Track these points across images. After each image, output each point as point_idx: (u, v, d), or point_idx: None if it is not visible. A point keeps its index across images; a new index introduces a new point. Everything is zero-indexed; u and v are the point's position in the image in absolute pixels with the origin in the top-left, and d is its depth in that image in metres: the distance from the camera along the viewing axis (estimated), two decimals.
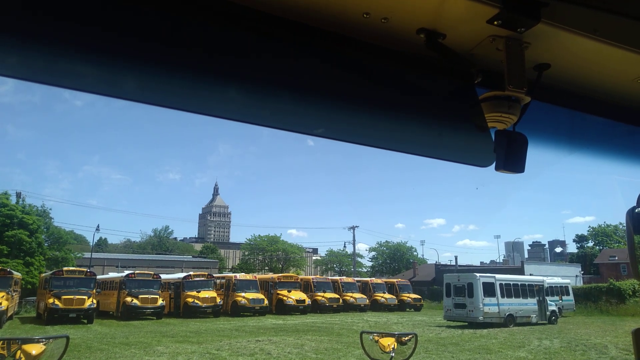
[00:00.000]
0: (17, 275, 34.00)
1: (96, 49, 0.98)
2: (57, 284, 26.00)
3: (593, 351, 16.32)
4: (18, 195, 49.90)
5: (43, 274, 32.23)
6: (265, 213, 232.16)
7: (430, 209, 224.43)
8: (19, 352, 2.01)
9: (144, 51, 1.03)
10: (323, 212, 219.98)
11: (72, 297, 25.22)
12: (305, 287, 37.26)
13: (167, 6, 1.06)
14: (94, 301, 26.50)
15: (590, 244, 78.77)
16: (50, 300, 24.93)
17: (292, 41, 1.21)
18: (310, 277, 42.30)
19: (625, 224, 1.80)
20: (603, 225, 78.46)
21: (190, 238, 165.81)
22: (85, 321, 25.78)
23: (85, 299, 25.60)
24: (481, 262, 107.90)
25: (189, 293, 30.77)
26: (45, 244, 49.09)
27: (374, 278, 49.61)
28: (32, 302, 34.26)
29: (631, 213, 1.77)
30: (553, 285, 35.40)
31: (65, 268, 30.59)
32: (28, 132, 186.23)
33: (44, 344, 2.12)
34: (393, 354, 2.91)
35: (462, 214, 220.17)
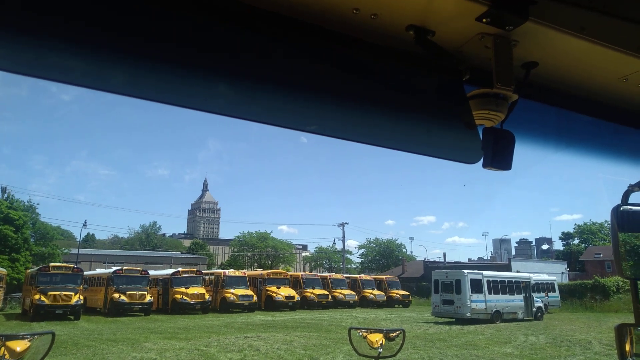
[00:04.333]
0: (2, 271, 33.60)
1: (85, 42, 0.97)
2: (43, 280, 25.67)
3: (578, 347, 16.56)
4: (3, 190, 49.29)
5: (29, 270, 31.83)
6: (255, 209, 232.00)
7: (421, 206, 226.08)
8: (2, 348, 1.98)
9: (133, 45, 1.02)
10: (314, 208, 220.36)
11: (58, 293, 24.94)
12: (295, 283, 37.27)
13: (156, 0, 1.05)
14: (81, 297, 26.25)
15: (576, 241, 79.85)
16: (36, 297, 24.63)
17: (281, 36, 1.21)
18: (300, 273, 42.27)
19: (610, 222, 1.82)
20: (589, 223, 79.58)
21: (179, 234, 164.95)
22: (72, 317, 25.51)
23: (72, 295, 25.33)
24: (469, 259, 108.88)
25: (177, 289, 30.60)
26: (32, 240, 48.51)
27: (363, 275, 49.77)
28: (18, 298, 33.83)
29: (616, 211, 1.79)
30: (539, 282, 35.83)
31: (51, 264, 30.26)
32: (14, 126, 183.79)
33: (29, 341, 2.09)
34: (381, 350, 2.93)
35: (452, 211, 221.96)
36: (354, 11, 1.19)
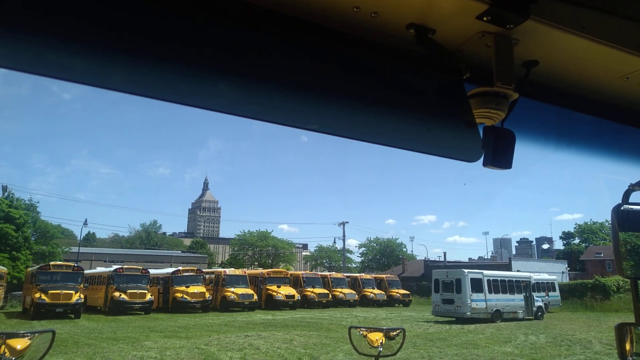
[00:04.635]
0: (2, 269, 33.63)
1: (86, 39, 0.97)
2: (43, 279, 25.69)
3: (578, 346, 16.56)
4: (4, 188, 49.29)
5: (29, 269, 31.87)
6: (256, 208, 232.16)
7: (422, 206, 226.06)
8: (3, 346, 1.98)
9: (134, 43, 1.02)
10: (314, 208, 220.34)
11: (59, 291, 24.96)
12: (295, 282, 37.28)
13: None
14: (82, 296, 26.28)
15: (577, 240, 79.82)
16: (37, 295, 24.65)
17: (282, 35, 1.21)
18: (300, 272, 42.31)
19: (610, 221, 1.82)
20: (589, 223, 79.58)
21: (179, 233, 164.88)
22: (73, 316, 25.55)
23: (72, 293, 25.35)
24: (469, 258, 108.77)
25: (177, 288, 30.61)
26: (32, 238, 48.58)
27: (363, 274, 49.78)
28: (18, 296, 33.87)
29: (616, 210, 1.79)
30: (540, 281, 35.84)
31: (52, 262, 30.28)
32: (15, 124, 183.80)
33: (29, 339, 2.09)
34: (381, 349, 2.93)
35: (452, 211, 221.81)
36: (355, 9, 1.19)
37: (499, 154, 1.39)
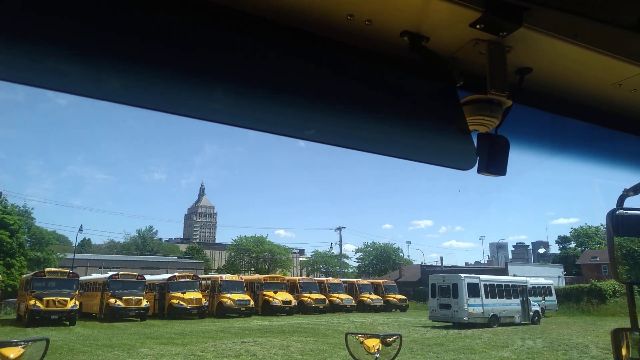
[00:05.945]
0: None
1: (79, 48, 0.96)
2: (38, 285, 25.54)
3: (575, 351, 16.58)
4: None
5: (24, 275, 31.63)
6: (252, 214, 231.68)
7: (419, 211, 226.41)
8: None
9: (128, 52, 1.01)
10: (311, 213, 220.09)
11: (54, 298, 24.80)
12: (292, 288, 37.18)
13: (152, 5, 1.05)
14: (77, 303, 26.12)
15: (573, 245, 79.90)
16: (32, 302, 24.47)
17: (276, 42, 1.21)
18: (297, 277, 42.26)
19: (605, 226, 1.83)
20: (585, 227, 79.73)
21: (175, 239, 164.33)
22: (68, 323, 25.38)
23: (67, 300, 25.20)
24: (466, 263, 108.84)
25: (173, 294, 30.46)
26: (27, 245, 48.22)
27: (360, 279, 49.72)
28: (13, 304, 33.59)
29: (611, 215, 1.80)
30: (536, 285, 35.88)
31: (47, 269, 30.06)
32: (10, 130, 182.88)
33: (23, 347, 2.07)
34: (378, 355, 2.92)
35: (449, 216, 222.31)
36: (348, 17, 1.19)
37: (493, 161, 1.39)
